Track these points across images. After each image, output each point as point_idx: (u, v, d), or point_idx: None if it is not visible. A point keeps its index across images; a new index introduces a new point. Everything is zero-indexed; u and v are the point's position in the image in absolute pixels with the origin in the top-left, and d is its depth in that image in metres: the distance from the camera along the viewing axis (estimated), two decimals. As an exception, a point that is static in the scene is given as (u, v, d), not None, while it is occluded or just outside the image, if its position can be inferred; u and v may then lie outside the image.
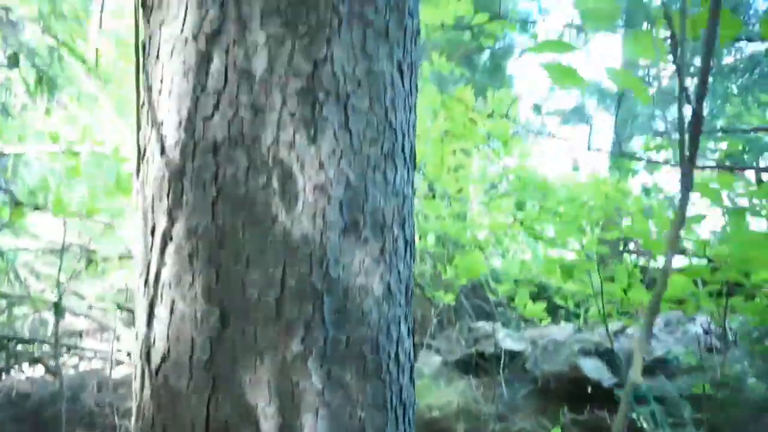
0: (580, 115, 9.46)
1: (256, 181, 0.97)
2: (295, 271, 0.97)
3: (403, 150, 1.10)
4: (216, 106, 0.98)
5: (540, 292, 3.77)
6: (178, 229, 1.03)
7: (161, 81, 1.05)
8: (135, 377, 1.16)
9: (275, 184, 0.97)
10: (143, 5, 1.11)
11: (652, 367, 2.46)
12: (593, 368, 2.70)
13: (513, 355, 2.84)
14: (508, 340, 2.83)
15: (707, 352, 2.65)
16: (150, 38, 1.08)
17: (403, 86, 1.09)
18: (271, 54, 0.96)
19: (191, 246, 1.01)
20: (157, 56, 1.05)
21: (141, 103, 1.14)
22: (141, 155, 1.13)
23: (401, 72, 1.09)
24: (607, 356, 2.71)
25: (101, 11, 1.23)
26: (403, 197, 1.12)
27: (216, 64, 0.98)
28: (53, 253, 4.39)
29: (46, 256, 4.63)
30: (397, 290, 1.08)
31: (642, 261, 4.61)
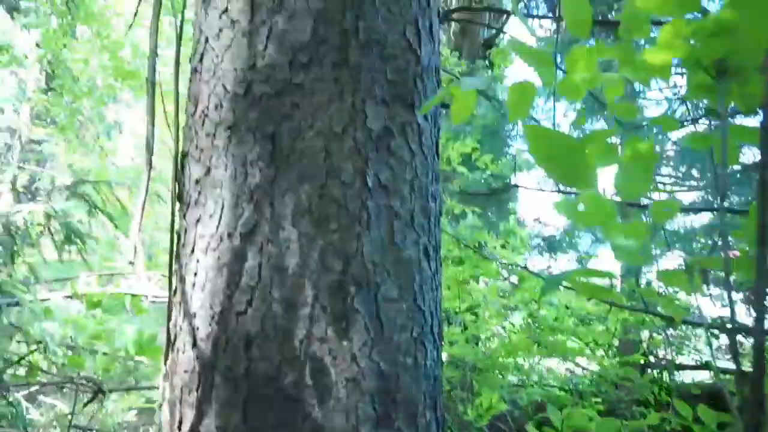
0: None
1: (288, 377, 0.97)
2: (329, 473, 0.93)
3: (431, 331, 1.11)
4: (249, 303, 1.00)
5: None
6: (208, 425, 1.01)
7: (195, 274, 1.08)
8: None
9: (308, 379, 0.97)
10: (179, 200, 1.17)
11: None
12: None
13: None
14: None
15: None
16: (186, 231, 1.13)
17: (430, 269, 1.12)
18: (303, 251, 1.00)
19: (220, 445, 0.98)
20: (192, 251, 1.09)
21: (173, 292, 1.16)
22: (171, 344, 1.14)
23: (428, 256, 1.12)
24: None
25: (141, 216, 1.30)
26: (433, 378, 1.10)
27: (250, 262, 1.01)
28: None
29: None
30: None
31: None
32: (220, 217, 1.06)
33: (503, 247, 3.00)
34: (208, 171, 1.10)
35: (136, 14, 2.39)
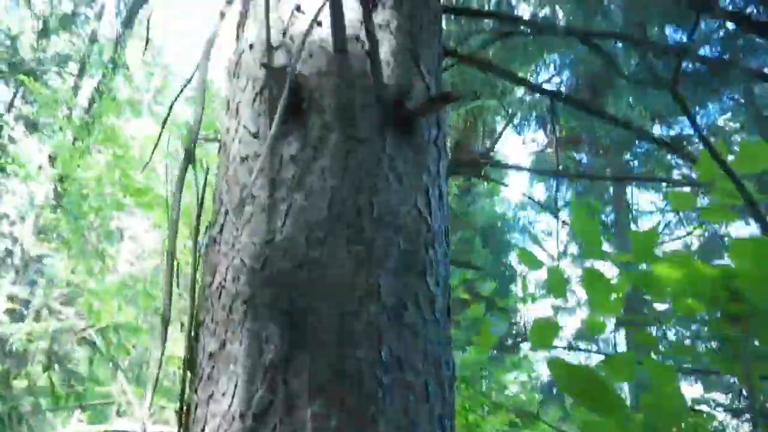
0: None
1: None
2: None
3: None
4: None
5: None
6: None
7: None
8: None
9: None
10: (191, 370, 1.16)
11: None
12: None
13: None
14: None
15: None
16: (197, 407, 1.11)
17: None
18: (317, 433, 0.98)
19: None
20: (203, 430, 1.07)
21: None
22: None
23: (442, 427, 1.10)
24: None
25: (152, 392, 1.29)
26: None
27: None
28: None
29: None
30: None
31: None
32: (233, 395, 1.04)
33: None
34: (223, 345, 1.10)
35: (153, 152, 2.51)
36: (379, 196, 1.17)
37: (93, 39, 11.29)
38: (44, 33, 11.01)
